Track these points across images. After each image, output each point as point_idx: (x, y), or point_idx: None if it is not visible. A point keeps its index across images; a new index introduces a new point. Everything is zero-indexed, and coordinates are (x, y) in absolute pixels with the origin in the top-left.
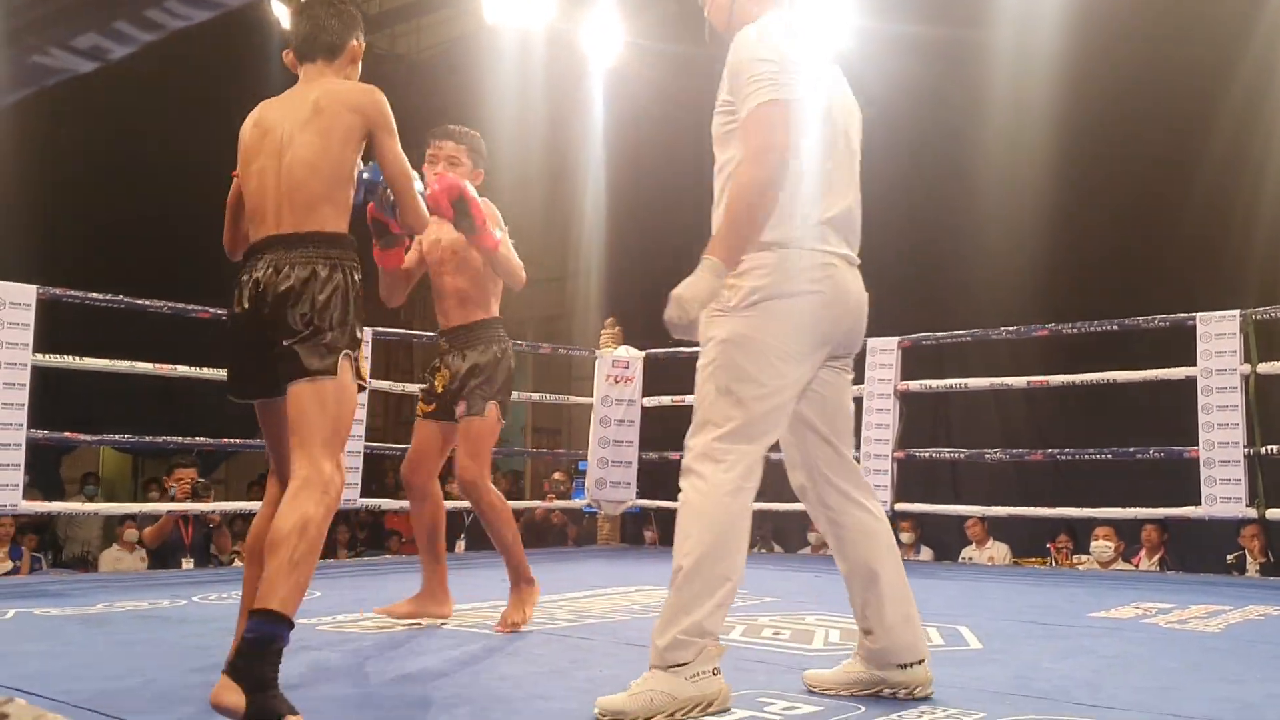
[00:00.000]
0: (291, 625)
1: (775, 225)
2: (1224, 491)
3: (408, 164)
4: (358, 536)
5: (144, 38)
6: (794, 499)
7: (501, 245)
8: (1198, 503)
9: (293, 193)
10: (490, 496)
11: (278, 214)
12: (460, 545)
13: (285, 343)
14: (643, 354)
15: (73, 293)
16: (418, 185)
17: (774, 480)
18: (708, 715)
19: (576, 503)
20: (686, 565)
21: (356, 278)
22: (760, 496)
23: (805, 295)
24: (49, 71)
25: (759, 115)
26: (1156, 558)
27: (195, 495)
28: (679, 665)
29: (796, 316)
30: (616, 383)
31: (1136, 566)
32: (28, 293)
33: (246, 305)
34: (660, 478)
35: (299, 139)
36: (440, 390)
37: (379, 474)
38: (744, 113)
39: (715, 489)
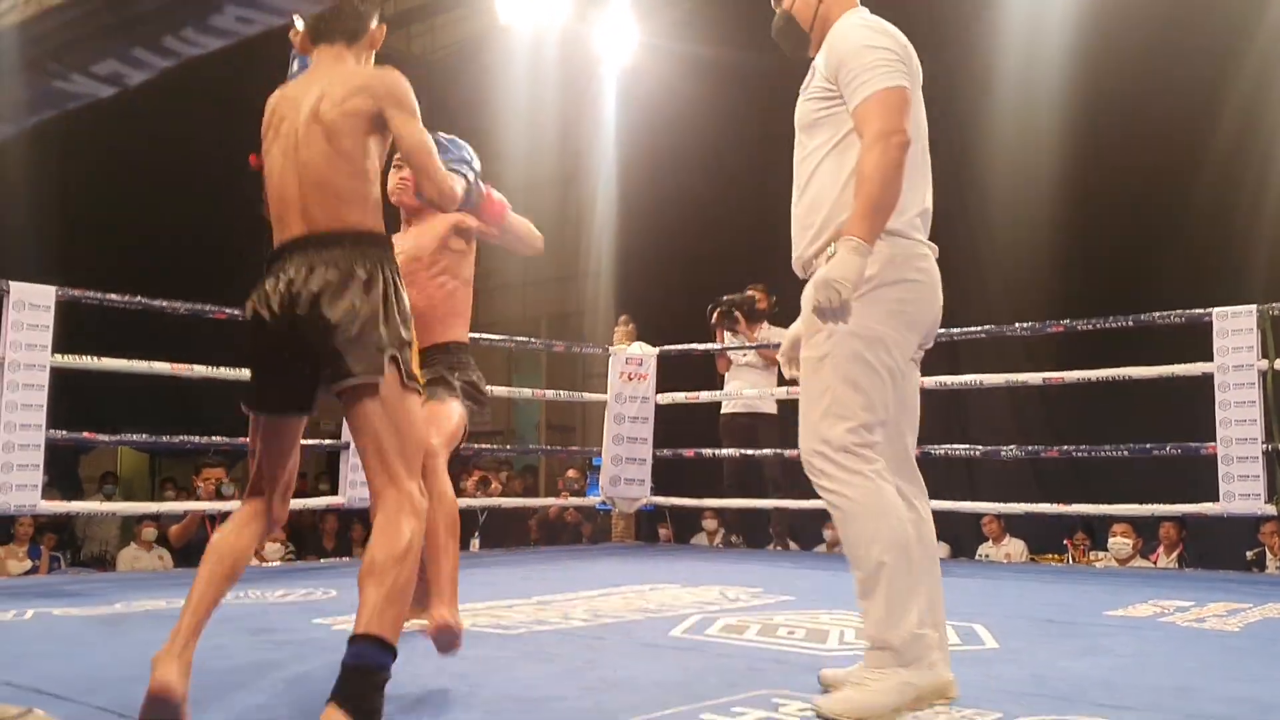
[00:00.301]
0: (395, 656)
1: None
2: (1242, 488)
3: (426, 137)
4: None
5: (161, 64)
6: (808, 495)
7: (509, 211)
8: (1216, 499)
9: (316, 190)
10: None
11: (303, 214)
12: (475, 544)
13: (330, 345)
14: (656, 351)
15: (91, 294)
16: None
17: (788, 476)
18: (941, 702)
19: (591, 500)
20: (890, 560)
21: (397, 277)
22: (774, 493)
23: (913, 284)
24: (69, 96)
25: (882, 99)
26: (1175, 554)
27: (219, 495)
28: (917, 658)
29: (907, 306)
30: (630, 380)
31: (1155, 563)
32: (47, 294)
33: (276, 310)
34: (674, 475)
35: (311, 132)
36: None
37: None
38: (859, 98)
39: (875, 483)
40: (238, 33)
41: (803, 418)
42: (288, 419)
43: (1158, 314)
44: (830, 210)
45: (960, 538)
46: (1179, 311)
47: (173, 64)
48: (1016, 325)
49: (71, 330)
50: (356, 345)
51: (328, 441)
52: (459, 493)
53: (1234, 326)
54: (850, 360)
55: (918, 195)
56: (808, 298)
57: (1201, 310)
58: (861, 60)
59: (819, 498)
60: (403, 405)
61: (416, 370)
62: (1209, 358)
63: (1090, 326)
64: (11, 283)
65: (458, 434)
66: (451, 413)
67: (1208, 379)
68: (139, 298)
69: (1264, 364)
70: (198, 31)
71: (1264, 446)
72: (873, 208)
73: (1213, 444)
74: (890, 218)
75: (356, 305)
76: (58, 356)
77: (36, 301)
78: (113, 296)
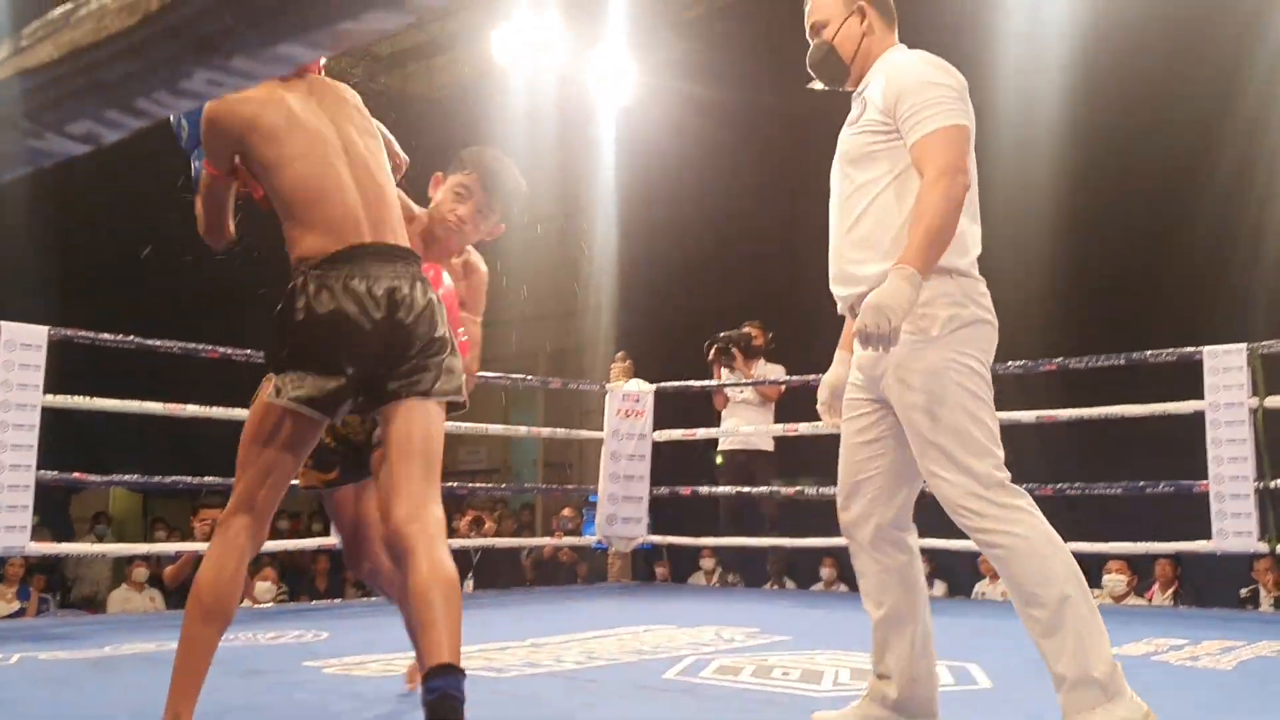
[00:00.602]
0: (465, 676)
1: (956, 252)
2: (1235, 526)
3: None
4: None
5: (134, 124)
6: (805, 533)
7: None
8: (1209, 537)
9: (382, 205)
10: None
11: (373, 225)
12: (469, 585)
13: (428, 358)
14: (653, 388)
15: (83, 333)
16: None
17: (787, 515)
18: None
19: (587, 539)
20: (1073, 592)
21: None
22: (772, 531)
23: (986, 324)
24: (44, 154)
25: (945, 136)
26: (1170, 592)
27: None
28: (1119, 690)
29: (984, 343)
30: (627, 416)
31: (1150, 601)
32: (39, 334)
33: (378, 314)
34: (672, 513)
35: (361, 142)
36: (339, 445)
37: None
38: (921, 133)
39: (1036, 515)
40: (208, 95)
41: (936, 466)
42: (322, 424)
43: (1149, 352)
44: (890, 246)
45: (956, 576)
46: (1170, 350)
47: (147, 124)
48: (1009, 364)
49: (63, 369)
50: (448, 364)
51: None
52: (452, 533)
53: (1225, 364)
54: (969, 398)
55: (976, 236)
56: (860, 333)
57: (1192, 349)
58: (925, 95)
59: (816, 535)
60: (442, 434)
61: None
62: (1200, 396)
63: (1083, 365)
64: (4, 322)
65: None
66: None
67: (1200, 417)
68: (132, 337)
69: (1254, 402)
70: (169, 94)
71: (1256, 484)
72: (930, 242)
73: (1205, 481)
74: (947, 255)
75: (445, 326)
76: (49, 396)
77: (29, 341)
78: (105, 336)
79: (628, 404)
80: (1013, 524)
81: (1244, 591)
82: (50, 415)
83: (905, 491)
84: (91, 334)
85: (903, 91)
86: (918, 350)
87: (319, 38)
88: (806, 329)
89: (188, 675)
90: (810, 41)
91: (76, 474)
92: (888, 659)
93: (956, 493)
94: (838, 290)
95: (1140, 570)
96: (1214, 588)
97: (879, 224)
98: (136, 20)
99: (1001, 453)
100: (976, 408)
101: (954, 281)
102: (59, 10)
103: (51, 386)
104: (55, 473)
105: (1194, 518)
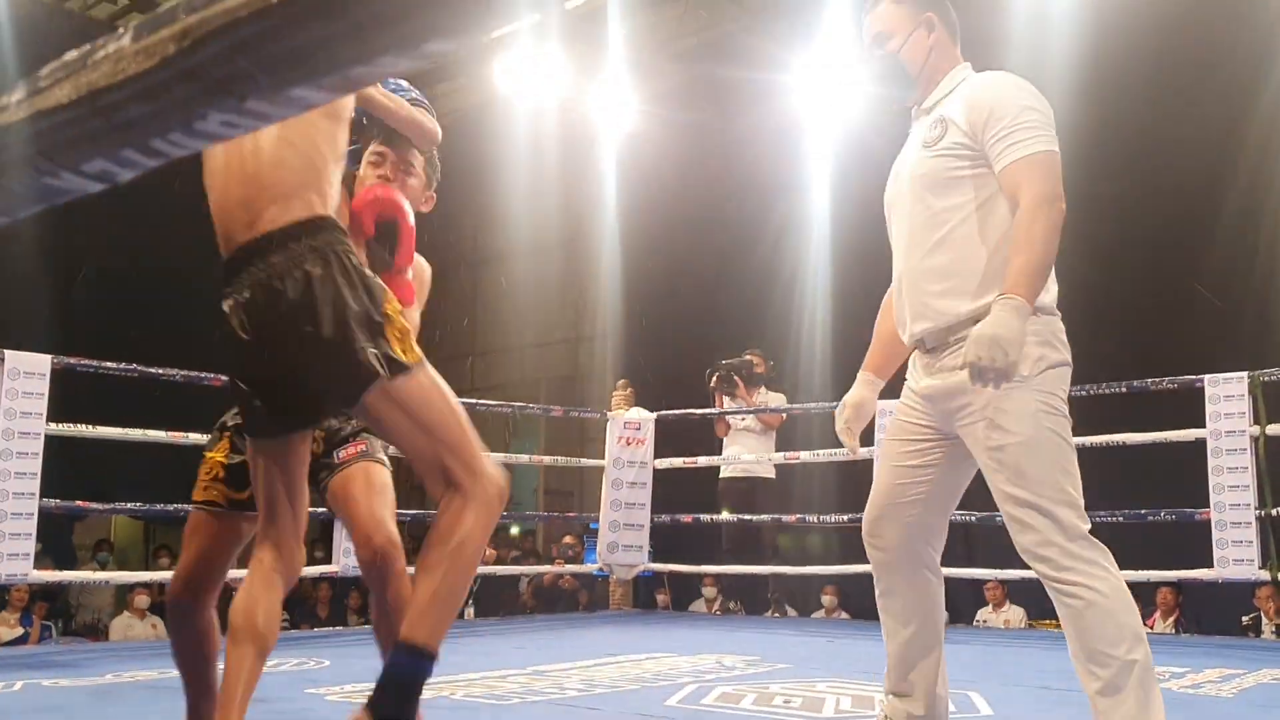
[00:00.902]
0: (436, 660)
1: (1044, 288)
2: (1236, 554)
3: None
4: (369, 603)
5: (149, 164)
6: (806, 560)
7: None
8: (1210, 564)
9: (263, 184)
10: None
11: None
12: (470, 612)
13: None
14: (654, 415)
15: (86, 362)
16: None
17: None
18: None
19: (588, 567)
20: (1141, 657)
21: (353, 259)
22: (773, 559)
23: (1068, 366)
24: (59, 192)
25: (1042, 162)
26: (1171, 619)
27: None
28: None
29: (1066, 385)
30: (628, 444)
31: (1152, 628)
32: (42, 362)
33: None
34: (673, 541)
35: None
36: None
37: None
38: (1016, 156)
39: (1117, 576)
40: (223, 136)
41: (1018, 511)
42: (287, 441)
43: (1150, 380)
44: (974, 277)
45: (958, 603)
46: (1171, 378)
47: (160, 163)
48: None
49: (66, 397)
50: (352, 350)
51: (320, 510)
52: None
53: (1225, 393)
54: (1060, 444)
55: (1052, 273)
56: (973, 366)
57: (1193, 376)
58: (1022, 119)
59: (817, 563)
60: (428, 389)
61: (409, 352)
62: (1202, 424)
63: (1085, 393)
64: (7, 351)
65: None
66: (387, 480)
67: (1201, 444)
68: (134, 365)
69: (1256, 430)
70: (185, 135)
71: (1258, 512)
72: (1036, 271)
73: (1207, 509)
74: (1051, 294)
75: (328, 312)
76: (53, 424)
77: (32, 369)
78: (108, 364)
79: (629, 432)
80: (1094, 578)
81: (1246, 619)
82: (53, 443)
83: (943, 519)
84: (94, 363)
85: (994, 114)
86: (1009, 391)
87: (332, 82)
88: (806, 357)
89: (225, 693)
90: (871, 53)
91: (80, 502)
92: (911, 678)
93: (1037, 540)
94: (910, 320)
95: (1141, 598)
96: (1214, 615)
97: (962, 253)
98: (154, 64)
99: (1081, 501)
100: (1065, 456)
101: (1040, 320)
102: (76, 53)
103: (55, 415)
104: (58, 501)
105: (1195, 545)
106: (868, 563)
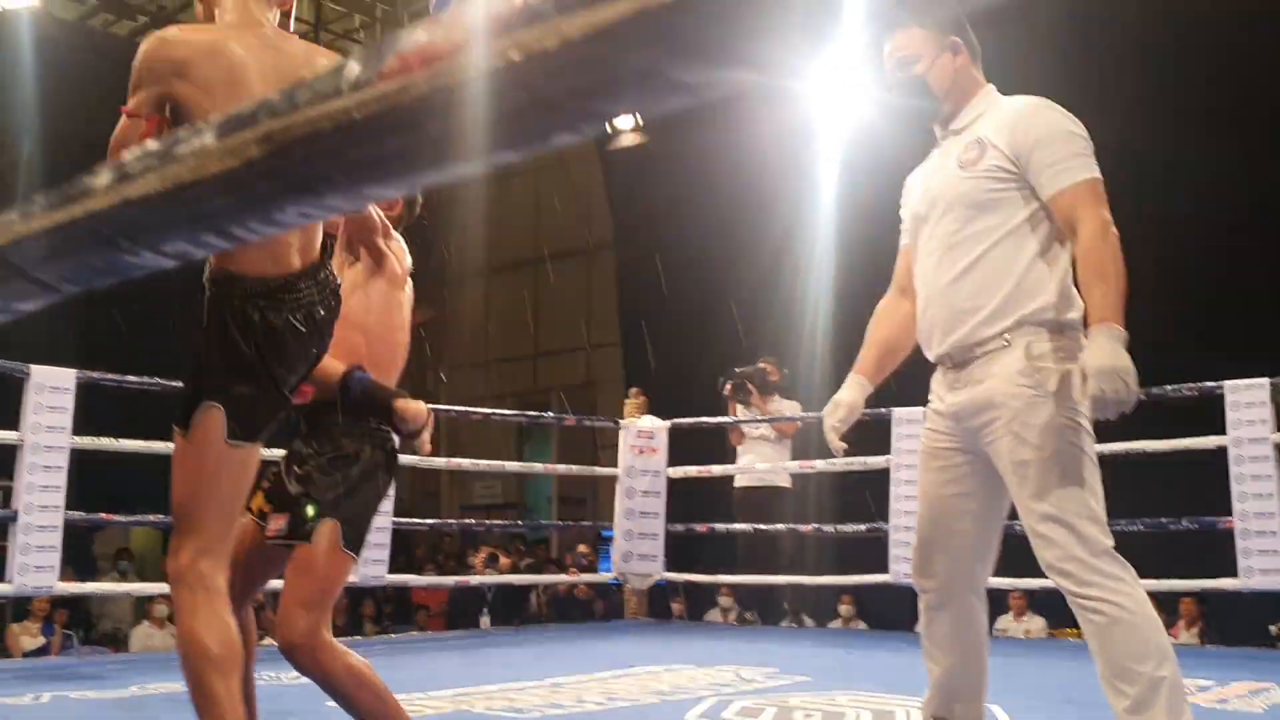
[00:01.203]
0: None
1: (1067, 306)
2: (1261, 563)
3: None
4: (384, 611)
5: (225, 246)
6: (822, 570)
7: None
8: (1235, 574)
9: None
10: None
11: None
12: (484, 621)
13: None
14: (667, 424)
15: (110, 376)
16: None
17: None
18: None
19: (603, 576)
20: (1169, 674)
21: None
22: (787, 569)
23: None
24: (136, 268)
25: (1094, 188)
26: (1195, 630)
27: None
28: None
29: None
30: (641, 453)
31: (1176, 639)
32: (67, 376)
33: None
34: (688, 550)
35: None
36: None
37: (406, 548)
38: (1068, 182)
39: (1140, 592)
40: (298, 225)
41: (1042, 526)
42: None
43: (1170, 387)
44: (1011, 295)
45: None
46: (1190, 385)
47: (232, 247)
48: None
49: (89, 411)
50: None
51: None
52: (467, 569)
53: (1246, 399)
54: (1084, 460)
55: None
56: (1096, 399)
57: (1214, 383)
58: (1070, 145)
59: (833, 573)
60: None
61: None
62: (1223, 431)
63: None
64: (33, 366)
65: (332, 582)
66: (315, 556)
67: (1222, 452)
68: (157, 379)
69: (1278, 437)
70: (262, 224)
71: None
72: (1120, 295)
73: (1230, 518)
74: (1059, 309)
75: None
76: (77, 438)
77: (57, 384)
78: (131, 379)
79: (642, 440)
80: (1118, 594)
81: (1273, 629)
82: (76, 454)
83: (995, 538)
84: (118, 377)
85: (1042, 139)
86: (1034, 405)
87: (404, 185)
88: (818, 366)
89: None
90: (894, 75)
91: (103, 514)
92: (955, 708)
93: (1059, 555)
94: (938, 338)
95: (1164, 608)
96: (1240, 625)
97: (997, 272)
98: (237, 164)
99: (1104, 517)
100: (1089, 471)
101: (1066, 338)
102: (159, 144)
103: (78, 428)
104: (82, 514)
105: (1218, 554)
106: (885, 573)
